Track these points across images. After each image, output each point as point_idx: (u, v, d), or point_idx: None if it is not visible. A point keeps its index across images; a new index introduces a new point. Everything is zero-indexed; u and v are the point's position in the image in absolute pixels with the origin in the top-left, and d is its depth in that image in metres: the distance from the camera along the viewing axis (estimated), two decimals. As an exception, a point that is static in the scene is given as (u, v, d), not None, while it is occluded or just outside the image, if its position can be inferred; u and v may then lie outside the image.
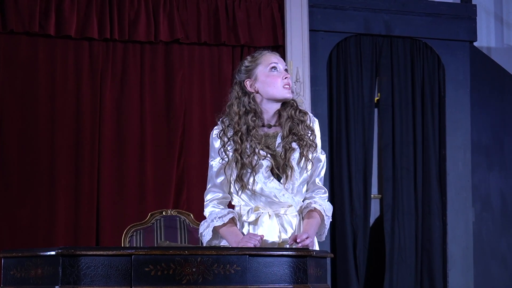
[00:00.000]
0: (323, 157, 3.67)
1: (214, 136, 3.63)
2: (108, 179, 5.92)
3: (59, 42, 5.89)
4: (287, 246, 3.52)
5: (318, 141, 3.66)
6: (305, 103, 6.11)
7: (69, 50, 5.91)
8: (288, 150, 3.55)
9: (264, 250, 3.13)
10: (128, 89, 6.03)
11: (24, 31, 5.77)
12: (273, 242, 3.54)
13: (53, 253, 2.96)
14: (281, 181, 3.54)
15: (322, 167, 3.68)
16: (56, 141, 5.83)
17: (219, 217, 3.54)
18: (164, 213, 4.42)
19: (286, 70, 3.65)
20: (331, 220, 3.68)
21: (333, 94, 6.52)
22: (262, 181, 3.53)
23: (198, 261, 2.98)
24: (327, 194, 3.70)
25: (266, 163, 3.52)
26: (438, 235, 6.61)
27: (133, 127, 6.01)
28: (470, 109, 6.76)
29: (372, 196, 6.61)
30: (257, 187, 3.55)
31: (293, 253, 3.11)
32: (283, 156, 3.55)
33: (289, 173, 3.53)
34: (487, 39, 7.25)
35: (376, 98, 6.67)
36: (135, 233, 4.32)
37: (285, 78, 3.61)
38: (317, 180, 3.67)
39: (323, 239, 3.71)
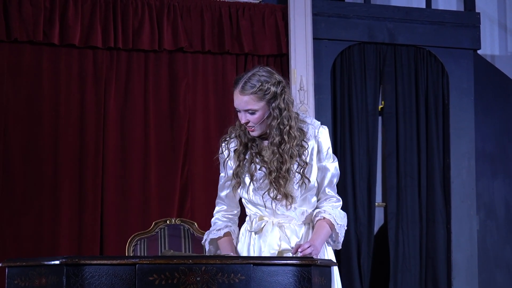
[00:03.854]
0: (332, 165, 3.62)
1: (220, 149, 3.65)
2: (112, 187, 5.92)
3: (63, 51, 5.89)
4: (289, 255, 3.51)
5: (325, 149, 3.61)
6: (309, 111, 6.11)
7: (73, 59, 5.91)
8: (281, 163, 3.51)
9: (268, 259, 3.13)
10: (132, 98, 6.03)
11: (28, 39, 5.78)
12: (273, 252, 3.53)
13: (57, 262, 2.95)
14: (273, 194, 3.52)
15: (333, 176, 3.62)
16: (60, 150, 5.83)
17: (217, 230, 3.64)
18: (168, 222, 4.42)
19: (246, 110, 3.51)
20: (346, 228, 3.65)
21: (337, 102, 6.52)
22: (259, 194, 3.55)
23: (202, 270, 2.98)
24: (340, 203, 3.64)
25: (260, 176, 3.53)
26: (442, 243, 6.60)
27: (137, 136, 6.01)
28: (474, 117, 6.75)
29: (376, 204, 6.60)
30: (255, 199, 3.57)
31: (297, 262, 3.10)
32: (274, 169, 3.52)
33: (281, 188, 3.51)
34: (491, 47, 7.25)
35: (380, 106, 6.67)
36: (139, 242, 4.32)
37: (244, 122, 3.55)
38: (327, 189, 3.62)
39: (339, 247, 3.68)
